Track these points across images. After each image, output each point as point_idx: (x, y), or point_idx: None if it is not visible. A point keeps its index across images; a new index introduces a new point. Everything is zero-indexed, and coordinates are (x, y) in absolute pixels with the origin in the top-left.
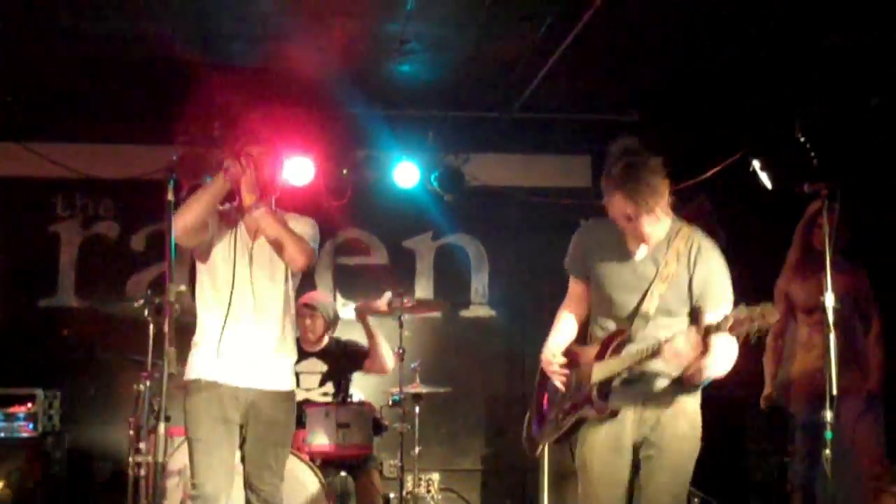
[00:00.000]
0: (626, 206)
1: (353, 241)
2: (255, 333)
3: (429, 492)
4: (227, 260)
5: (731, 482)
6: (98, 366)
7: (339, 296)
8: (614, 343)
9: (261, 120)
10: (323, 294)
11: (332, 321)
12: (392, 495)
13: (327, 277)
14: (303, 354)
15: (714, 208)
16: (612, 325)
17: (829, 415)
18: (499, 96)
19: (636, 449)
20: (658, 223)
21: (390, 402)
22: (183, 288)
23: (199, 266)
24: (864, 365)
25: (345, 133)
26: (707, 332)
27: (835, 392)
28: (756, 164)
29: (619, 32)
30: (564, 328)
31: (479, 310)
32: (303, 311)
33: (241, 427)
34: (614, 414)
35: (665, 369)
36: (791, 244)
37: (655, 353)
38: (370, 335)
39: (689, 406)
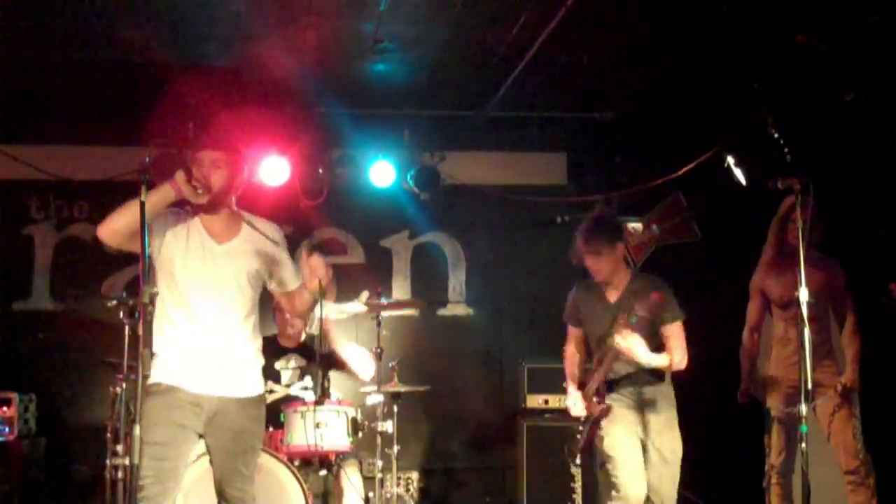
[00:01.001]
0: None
1: (330, 241)
2: (217, 339)
3: (408, 491)
4: (185, 263)
5: (707, 476)
6: (74, 369)
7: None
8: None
9: (217, 121)
10: None
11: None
12: (371, 494)
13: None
14: (281, 351)
15: (689, 205)
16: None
17: (804, 409)
18: (474, 95)
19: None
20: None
21: (367, 402)
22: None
23: (158, 268)
24: (840, 359)
25: (320, 133)
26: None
27: (810, 386)
28: (730, 160)
29: (593, 31)
30: (573, 371)
31: (456, 308)
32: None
33: (201, 436)
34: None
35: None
36: (766, 240)
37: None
38: (338, 356)
39: (664, 388)
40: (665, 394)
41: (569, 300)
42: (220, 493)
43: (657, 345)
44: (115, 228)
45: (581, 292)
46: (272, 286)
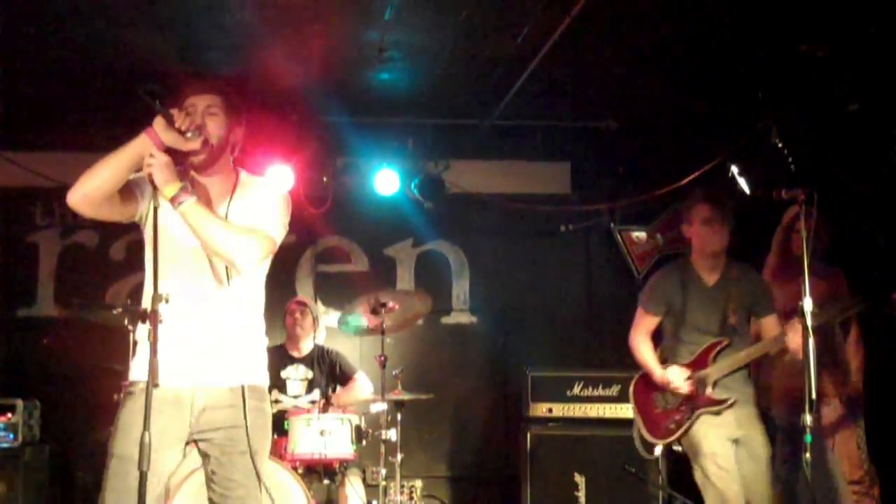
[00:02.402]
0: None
1: (334, 249)
2: (206, 321)
3: (412, 499)
4: (170, 235)
5: None
6: (78, 375)
7: (319, 303)
8: (714, 352)
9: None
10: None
11: (317, 321)
12: (374, 502)
13: (308, 285)
14: (289, 360)
15: None
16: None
17: (808, 418)
18: (478, 103)
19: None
20: None
21: (371, 410)
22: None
23: (145, 248)
24: (844, 369)
25: (325, 141)
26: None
27: (814, 396)
28: (734, 169)
29: (597, 40)
30: (653, 354)
31: (460, 316)
32: (294, 308)
33: (190, 443)
34: (727, 404)
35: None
36: (769, 250)
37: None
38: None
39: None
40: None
41: (654, 287)
42: None
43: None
44: (85, 192)
45: (671, 276)
46: None
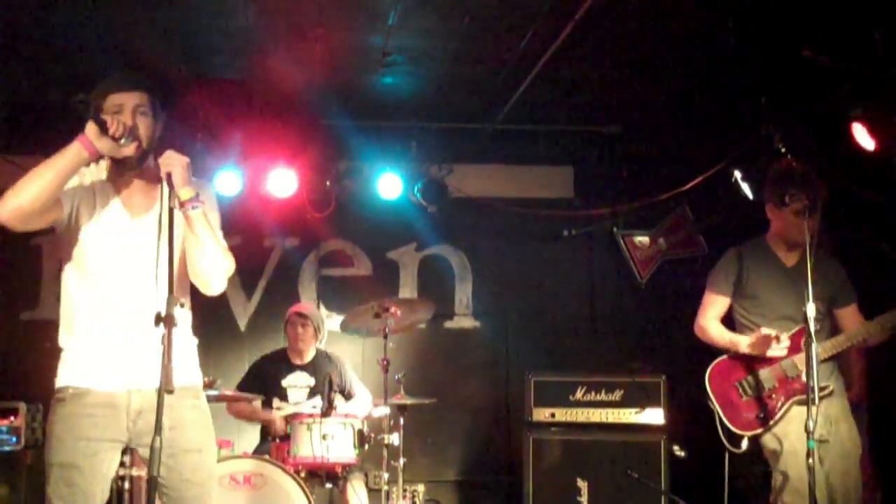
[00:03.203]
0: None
1: (337, 253)
2: (135, 326)
3: (414, 503)
4: (94, 239)
5: (712, 490)
6: None
7: (322, 307)
8: (802, 337)
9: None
10: (310, 305)
11: (319, 331)
12: None
13: (311, 289)
14: (291, 367)
15: (695, 219)
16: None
17: (811, 423)
18: (481, 108)
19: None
20: None
21: (373, 414)
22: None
23: (66, 243)
24: (847, 373)
25: (328, 145)
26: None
27: (817, 400)
28: (737, 174)
29: (600, 45)
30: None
31: (463, 321)
32: (294, 320)
33: (127, 447)
34: (827, 391)
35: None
36: None
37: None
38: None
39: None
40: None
41: (727, 265)
42: None
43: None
44: (17, 205)
45: (749, 255)
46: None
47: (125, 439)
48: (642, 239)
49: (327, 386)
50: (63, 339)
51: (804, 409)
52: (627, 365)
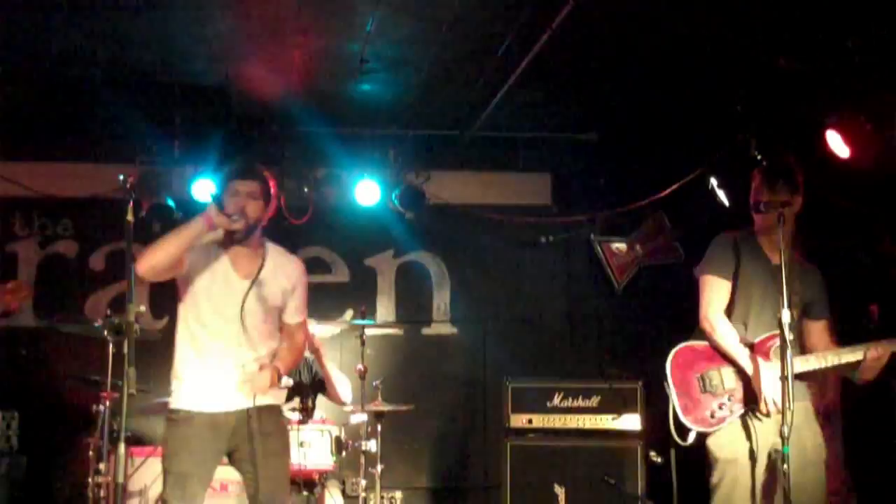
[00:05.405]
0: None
1: (315, 260)
2: (236, 363)
3: None
4: (209, 294)
5: (689, 496)
6: (56, 386)
7: None
8: (771, 344)
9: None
10: None
11: None
12: None
13: None
14: None
15: (672, 226)
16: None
17: (786, 429)
18: (459, 115)
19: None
20: None
21: (351, 421)
22: (143, 308)
23: (182, 288)
24: (822, 380)
25: (305, 151)
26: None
27: (791, 406)
28: (713, 181)
29: (577, 52)
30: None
31: (440, 327)
32: None
33: (228, 455)
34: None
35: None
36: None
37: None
38: (324, 374)
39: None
40: None
41: (725, 248)
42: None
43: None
44: (150, 264)
45: (742, 241)
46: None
47: (225, 449)
48: (619, 245)
49: (305, 391)
50: (178, 368)
51: (761, 419)
52: (604, 371)
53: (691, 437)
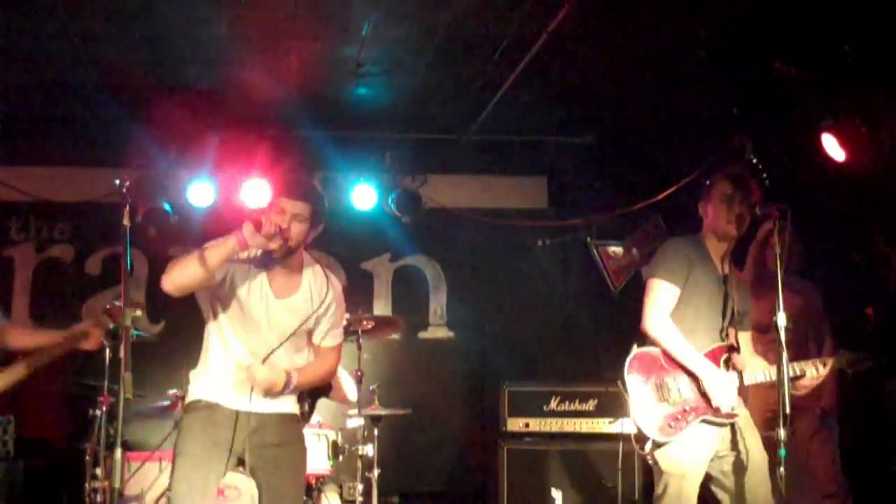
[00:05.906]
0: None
1: None
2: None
3: None
4: (243, 308)
5: None
6: (53, 391)
7: None
8: (722, 356)
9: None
10: None
11: None
12: None
13: None
14: None
15: (668, 229)
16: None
17: (782, 433)
18: (455, 118)
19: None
20: None
21: (348, 425)
22: (139, 313)
23: (217, 298)
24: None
25: (302, 155)
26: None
27: (788, 410)
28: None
29: (574, 56)
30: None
31: (437, 331)
32: None
33: (241, 460)
34: (734, 419)
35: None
36: (744, 265)
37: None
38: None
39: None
40: None
41: (677, 254)
42: None
43: None
44: (177, 283)
45: (692, 248)
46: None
47: (240, 450)
48: (616, 249)
49: (302, 394)
50: (208, 362)
51: (709, 428)
52: (601, 375)
53: (648, 446)
